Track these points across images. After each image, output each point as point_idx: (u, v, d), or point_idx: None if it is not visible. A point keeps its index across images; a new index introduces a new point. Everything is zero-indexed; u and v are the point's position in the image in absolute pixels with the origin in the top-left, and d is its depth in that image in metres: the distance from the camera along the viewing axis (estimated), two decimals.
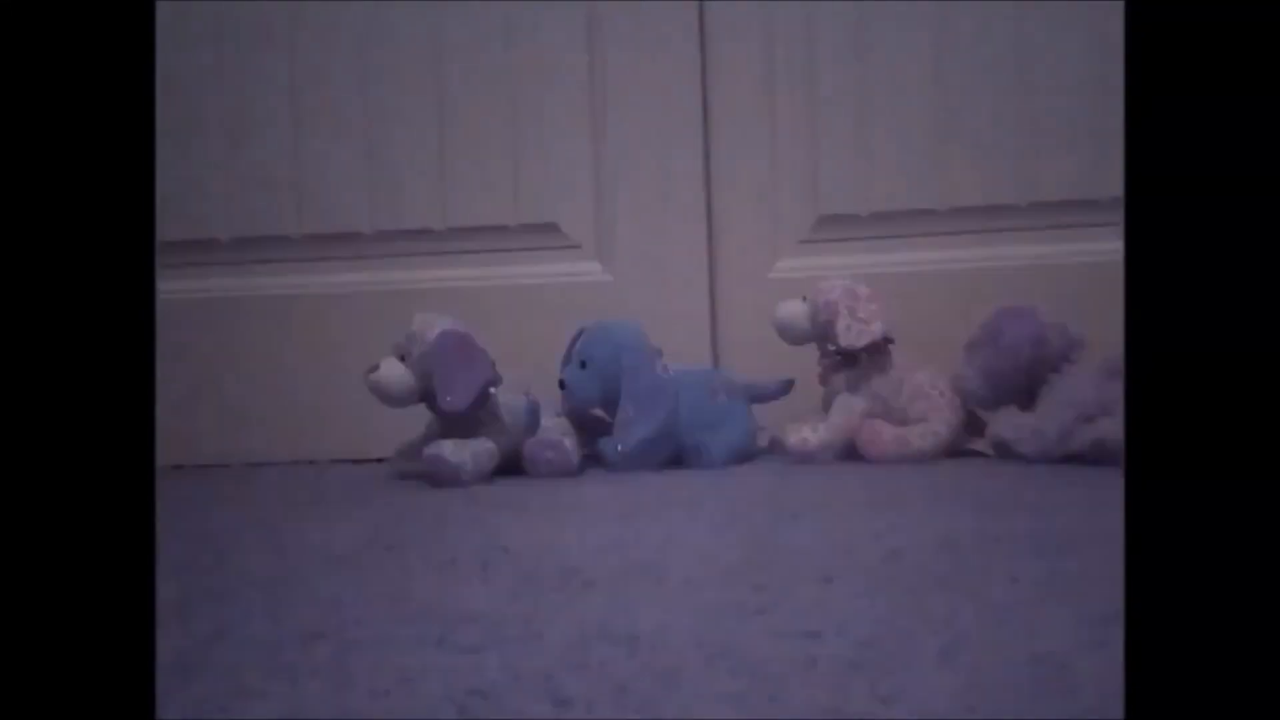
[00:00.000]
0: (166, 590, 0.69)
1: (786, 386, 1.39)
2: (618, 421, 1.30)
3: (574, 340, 1.36)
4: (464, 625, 0.64)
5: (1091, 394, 1.21)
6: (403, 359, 1.26)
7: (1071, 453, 1.21)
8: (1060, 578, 0.72)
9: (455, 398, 1.23)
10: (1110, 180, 1.43)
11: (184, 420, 1.51)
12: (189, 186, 1.57)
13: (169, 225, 1.53)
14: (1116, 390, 1.17)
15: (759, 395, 1.39)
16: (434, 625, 0.64)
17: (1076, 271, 1.43)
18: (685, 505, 1.05)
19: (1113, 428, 1.15)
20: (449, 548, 0.88)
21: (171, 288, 1.51)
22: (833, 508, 1.00)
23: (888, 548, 0.82)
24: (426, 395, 1.27)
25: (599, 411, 1.34)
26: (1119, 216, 1.41)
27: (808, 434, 1.31)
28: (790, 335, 1.37)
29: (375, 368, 1.26)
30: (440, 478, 1.22)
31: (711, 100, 1.54)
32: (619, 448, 1.28)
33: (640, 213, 1.55)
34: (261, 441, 1.54)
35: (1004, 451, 1.26)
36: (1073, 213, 1.47)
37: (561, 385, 1.32)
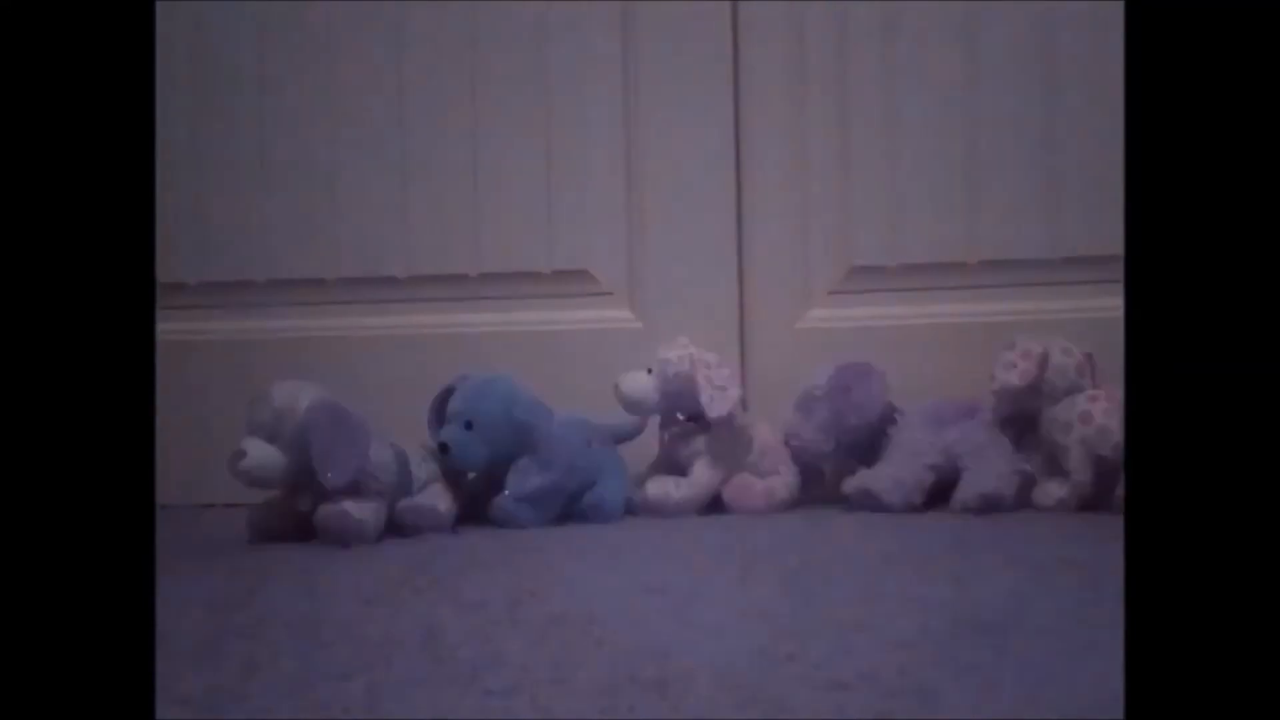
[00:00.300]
0: None
1: (640, 426, 1.40)
2: (512, 469, 1.29)
3: (442, 397, 1.34)
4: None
5: (931, 443, 1.32)
6: (270, 438, 1.19)
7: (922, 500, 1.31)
8: None
9: (336, 474, 1.18)
10: None
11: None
12: (208, 227, 1.60)
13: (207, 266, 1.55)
14: (949, 437, 1.32)
15: (621, 436, 1.40)
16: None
17: (1100, 325, 1.42)
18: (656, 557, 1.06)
19: (982, 480, 1.29)
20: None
21: (185, 328, 1.54)
22: (852, 564, 1.00)
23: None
24: (302, 472, 1.20)
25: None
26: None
27: (670, 489, 1.34)
28: (638, 408, 1.38)
29: (241, 454, 1.18)
30: (346, 534, 1.19)
31: (744, 149, 1.55)
32: (507, 493, 1.28)
33: (672, 261, 1.56)
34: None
35: (867, 502, 1.30)
36: (1097, 268, 1.46)
37: (443, 448, 1.28)
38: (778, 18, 1.54)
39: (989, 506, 1.28)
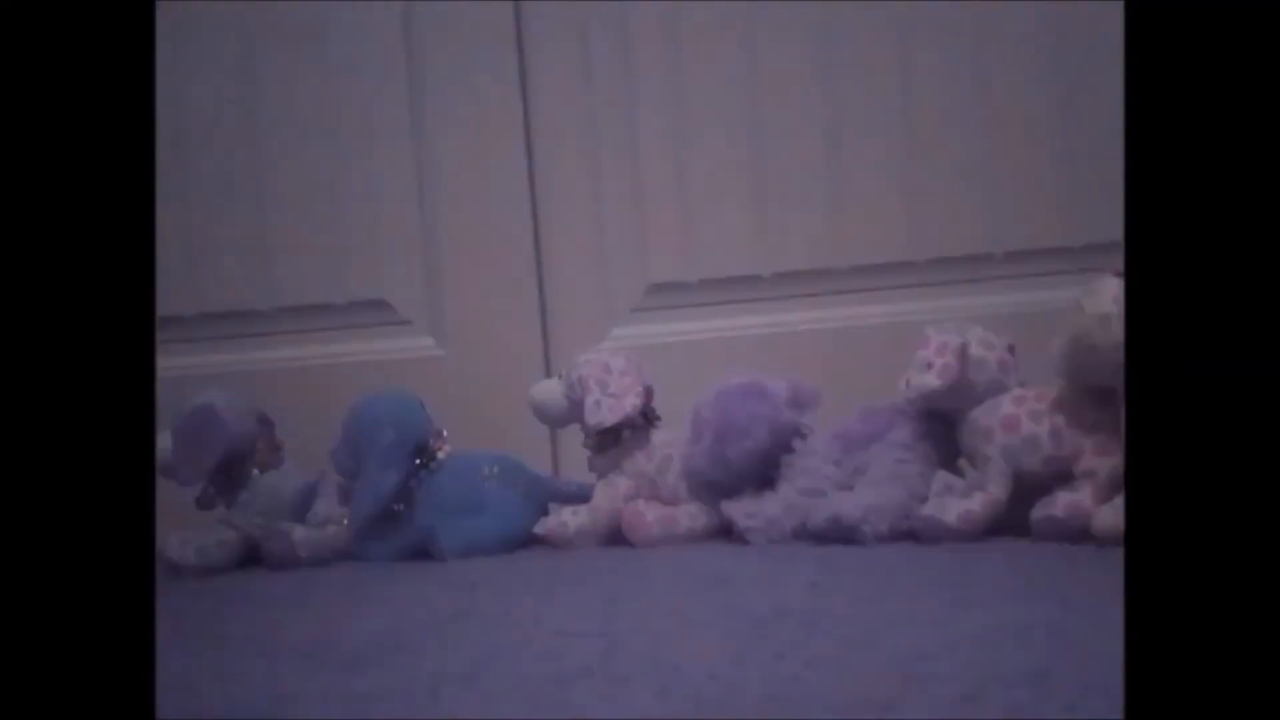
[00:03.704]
0: None
1: (589, 490, 1.26)
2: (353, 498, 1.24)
3: None
4: None
5: (830, 471, 1.16)
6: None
7: (810, 532, 1.13)
8: None
9: (182, 477, 1.23)
10: (943, 241, 1.48)
11: None
12: None
13: None
14: (855, 461, 1.15)
15: (556, 494, 1.29)
16: None
17: (884, 331, 1.46)
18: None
19: (849, 501, 1.11)
20: None
21: None
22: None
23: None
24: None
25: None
26: (945, 275, 1.47)
27: (567, 518, 1.22)
28: (548, 417, 1.29)
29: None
30: (181, 564, 1.21)
31: (538, 169, 1.54)
32: (345, 522, 1.23)
33: (472, 286, 1.54)
34: None
35: (755, 536, 1.14)
36: (886, 275, 1.50)
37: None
38: (563, 37, 1.53)
39: (843, 533, 1.10)
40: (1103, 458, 1.06)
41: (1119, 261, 1.36)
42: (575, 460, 1.33)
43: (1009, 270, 1.47)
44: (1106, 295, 1.01)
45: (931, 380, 1.11)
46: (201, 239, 1.53)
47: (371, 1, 1.53)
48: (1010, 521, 1.09)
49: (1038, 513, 1.07)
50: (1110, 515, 1.01)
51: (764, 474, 1.18)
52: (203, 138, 1.53)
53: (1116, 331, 0.98)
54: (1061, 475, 1.07)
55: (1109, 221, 1.33)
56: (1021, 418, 1.08)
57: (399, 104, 1.54)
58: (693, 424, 1.21)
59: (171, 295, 1.51)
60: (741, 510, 1.16)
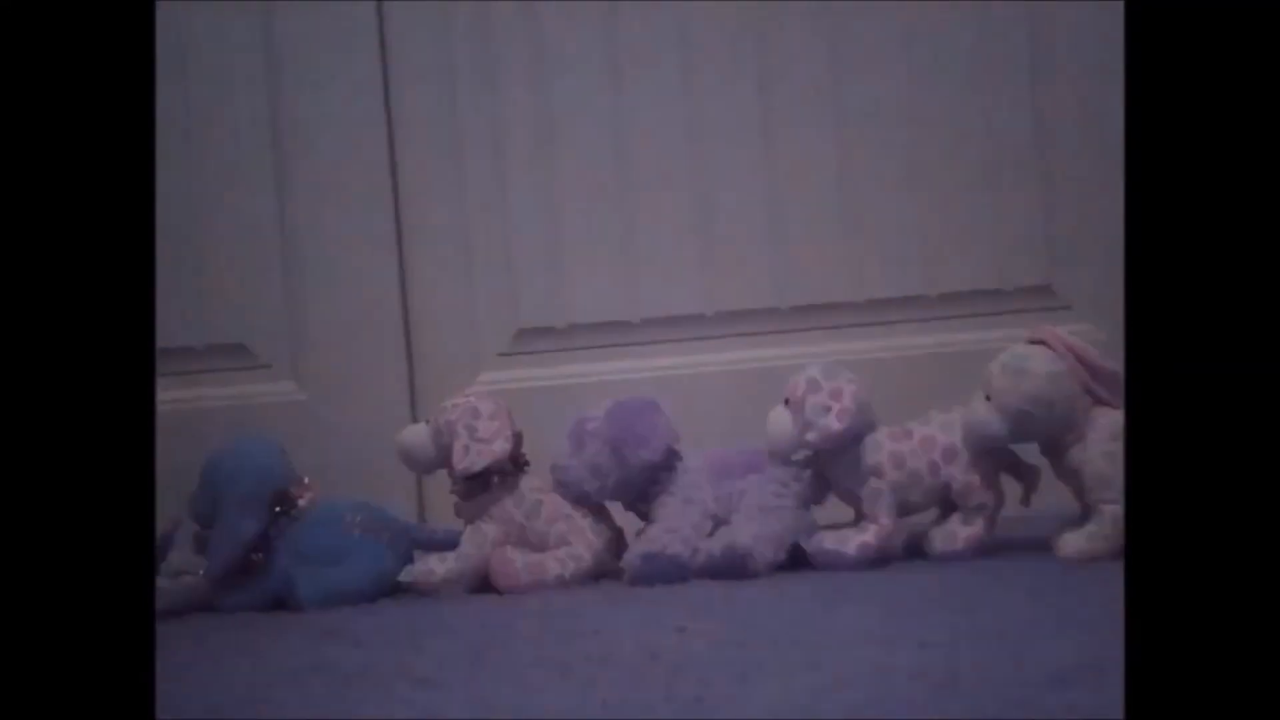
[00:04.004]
0: None
1: (457, 537, 1.24)
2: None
3: None
4: None
5: (708, 493, 1.20)
6: None
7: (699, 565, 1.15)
8: None
9: None
10: (802, 289, 1.51)
11: None
12: None
13: None
14: (732, 488, 1.19)
15: (422, 541, 1.27)
16: None
17: (747, 376, 1.48)
18: None
19: (738, 533, 1.15)
20: None
21: None
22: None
23: None
24: None
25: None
26: (805, 322, 1.50)
27: (434, 565, 1.21)
28: (415, 462, 1.28)
29: None
30: None
31: (404, 213, 1.53)
32: (201, 572, 1.21)
33: (336, 330, 1.52)
34: None
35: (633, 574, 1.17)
36: (752, 321, 1.53)
37: None
38: (429, 78, 1.53)
39: (735, 565, 1.13)
40: (990, 491, 1.17)
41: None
42: (442, 507, 1.32)
43: (868, 317, 1.51)
44: (1022, 355, 1.14)
45: (833, 423, 1.15)
46: None
47: (234, 25, 1.52)
48: (896, 551, 1.18)
49: (939, 545, 1.17)
50: (1077, 541, 1.12)
51: (643, 489, 1.22)
52: None
53: (1026, 387, 1.12)
54: (945, 506, 1.19)
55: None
56: (906, 455, 1.16)
57: (261, 141, 1.52)
58: (573, 436, 1.23)
59: None
60: (636, 550, 1.18)
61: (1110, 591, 0.72)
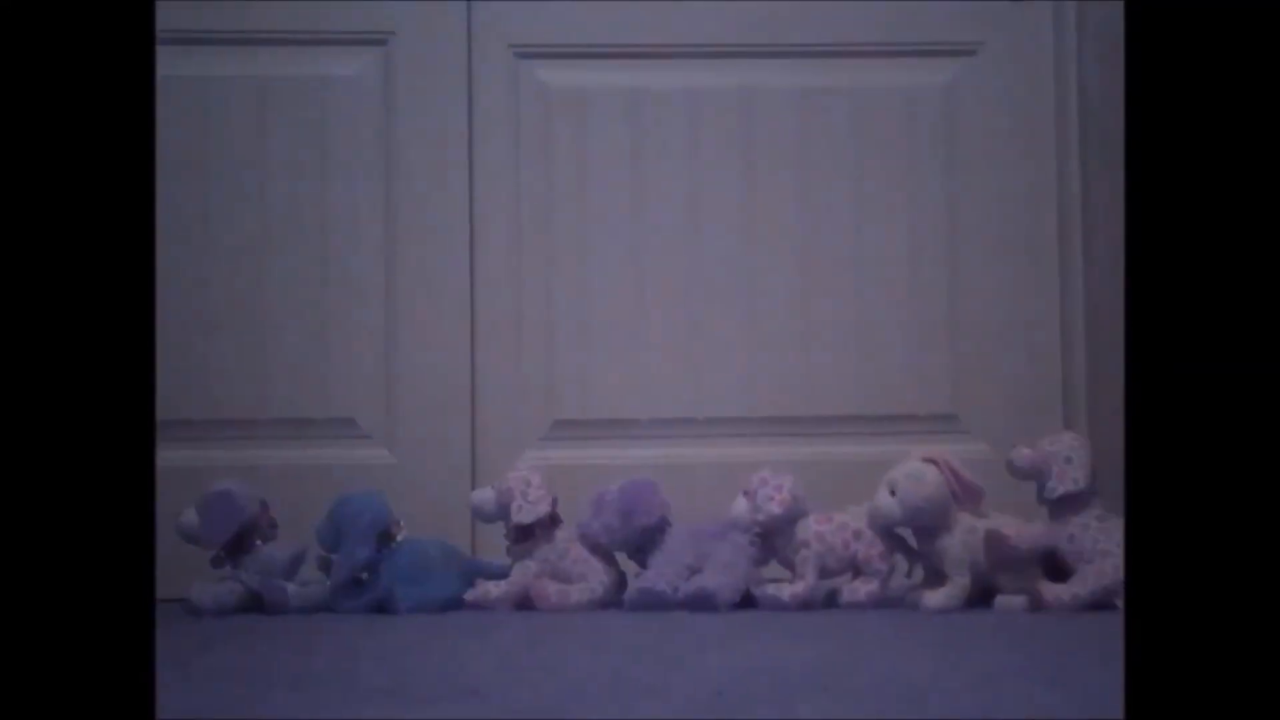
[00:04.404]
0: None
1: (507, 569, 1.72)
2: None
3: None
4: None
5: (689, 550, 1.65)
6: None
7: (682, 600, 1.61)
8: None
9: (204, 542, 1.69)
10: (774, 402, 2.00)
11: None
12: None
13: None
14: (710, 546, 1.64)
15: (482, 571, 1.74)
16: None
17: (717, 470, 1.95)
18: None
19: (707, 580, 1.60)
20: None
21: None
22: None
23: None
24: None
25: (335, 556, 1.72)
26: (778, 429, 1.98)
27: (490, 588, 1.68)
28: (483, 515, 1.75)
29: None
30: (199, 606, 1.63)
31: (478, 321, 2.02)
32: (326, 582, 1.68)
33: (420, 411, 1.99)
34: None
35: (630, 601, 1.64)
36: (725, 426, 2.01)
37: None
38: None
39: (704, 602, 1.59)
40: (885, 562, 1.65)
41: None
42: (488, 547, 1.83)
43: (813, 429, 2.00)
44: (920, 468, 1.63)
45: (775, 509, 1.64)
46: (205, 355, 1.97)
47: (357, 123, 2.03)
48: (818, 600, 1.65)
49: (846, 596, 1.65)
50: (936, 599, 1.60)
51: (641, 544, 1.70)
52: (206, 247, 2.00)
53: (923, 491, 1.61)
54: (854, 571, 1.67)
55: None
56: (826, 533, 1.65)
57: (374, 256, 2.01)
58: (595, 504, 1.71)
59: (185, 402, 1.95)
60: (635, 586, 1.65)
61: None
